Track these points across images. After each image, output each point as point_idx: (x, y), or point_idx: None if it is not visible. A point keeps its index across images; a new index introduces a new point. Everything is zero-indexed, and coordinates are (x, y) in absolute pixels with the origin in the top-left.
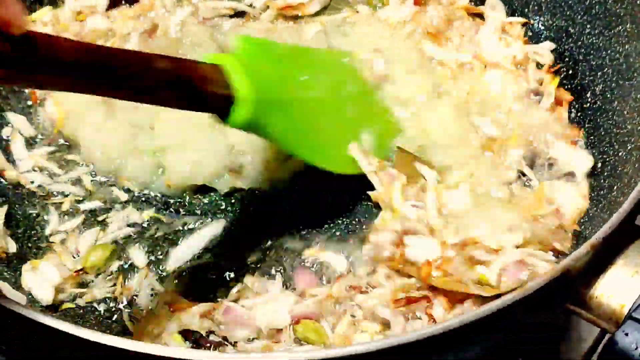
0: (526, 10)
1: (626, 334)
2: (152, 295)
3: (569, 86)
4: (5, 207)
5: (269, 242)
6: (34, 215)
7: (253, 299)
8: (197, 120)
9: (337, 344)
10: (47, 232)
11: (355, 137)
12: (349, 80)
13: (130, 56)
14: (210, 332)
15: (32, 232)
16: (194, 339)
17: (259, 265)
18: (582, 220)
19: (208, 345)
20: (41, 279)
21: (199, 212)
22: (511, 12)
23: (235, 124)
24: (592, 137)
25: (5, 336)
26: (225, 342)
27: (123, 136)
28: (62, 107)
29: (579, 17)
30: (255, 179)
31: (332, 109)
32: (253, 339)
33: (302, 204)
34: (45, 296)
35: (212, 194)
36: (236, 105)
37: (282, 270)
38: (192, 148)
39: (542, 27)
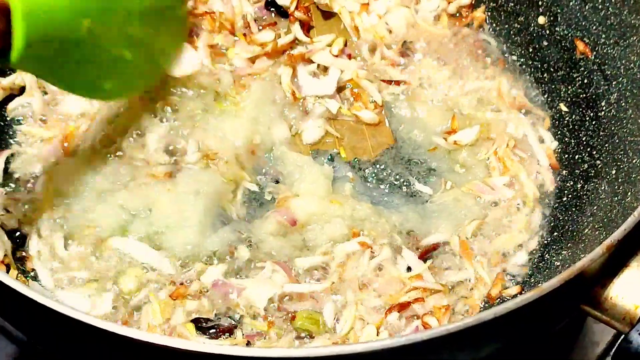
0: (541, 19)
1: None
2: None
3: (584, 95)
4: None
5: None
6: None
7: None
8: (193, 200)
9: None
10: None
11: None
12: None
13: None
14: (220, 315)
15: None
16: (207, 326)
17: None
18: (597, 226)
19: (220, 330)
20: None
21: None
22: (527, 23)
23: (10, 60)
24: (607, 145)
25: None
26: (234, 323)
27: (115, 220)
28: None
29: (594, 27)
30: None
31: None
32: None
33: None
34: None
35: None
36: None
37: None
38: (192, 228)
39: (558, 37)
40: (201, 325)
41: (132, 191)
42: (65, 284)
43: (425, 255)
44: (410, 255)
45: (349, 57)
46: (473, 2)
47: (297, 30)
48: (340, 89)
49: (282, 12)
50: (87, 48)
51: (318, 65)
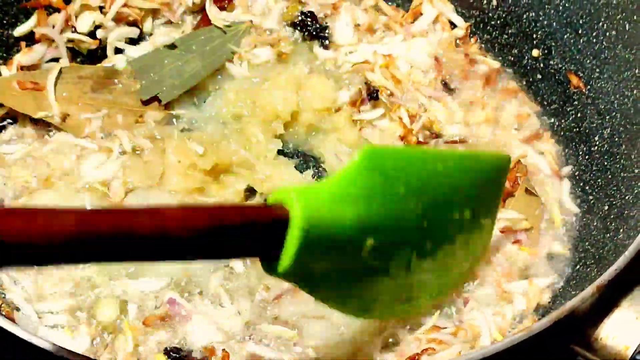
0: (535, 52)
1: None
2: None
3: (577, 129)
4: None
5: None
6: None
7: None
8: None
9: None
10: None
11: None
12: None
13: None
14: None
15: None
16: (178, 357)
17: None
18: (588, 262)
19: None
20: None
21: None
22: (521, 55)
23: (276, 270)
24: (599, 180)
25: None
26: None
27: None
28: None
29: (588, 61)
30: None
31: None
32: None
33: None
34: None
35: None
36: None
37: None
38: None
39: (552, 71)
40: (172, 355)
41: None
42: (44, 313)
43: None
44: None
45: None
46: (469, 33)
47: None
48: None
49: None
50: (364, 268)
51: None
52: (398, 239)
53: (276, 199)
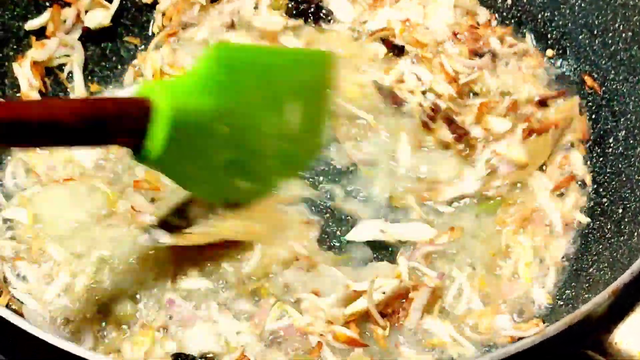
0: (550, 52)
1: None
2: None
3: (592, 131)
4: None
5: None
6: None
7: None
8: None
9: None
10: None
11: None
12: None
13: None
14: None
15: None
16: None
17: None
18: (602, 266)
19: None
20: None
21: None
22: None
23: (148, 157)
24: (613, 183)
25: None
26: None
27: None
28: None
29: (604, 62)
30: None
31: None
32: None
33: None
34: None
35: None
36: (150, 137)
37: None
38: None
39: (567, 71)
40: None
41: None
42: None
43: None
44: None
45: None
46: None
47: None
48: None
49: None
50: (222, 152)
51: None
52: (247, 124)
53: (143, 93)
